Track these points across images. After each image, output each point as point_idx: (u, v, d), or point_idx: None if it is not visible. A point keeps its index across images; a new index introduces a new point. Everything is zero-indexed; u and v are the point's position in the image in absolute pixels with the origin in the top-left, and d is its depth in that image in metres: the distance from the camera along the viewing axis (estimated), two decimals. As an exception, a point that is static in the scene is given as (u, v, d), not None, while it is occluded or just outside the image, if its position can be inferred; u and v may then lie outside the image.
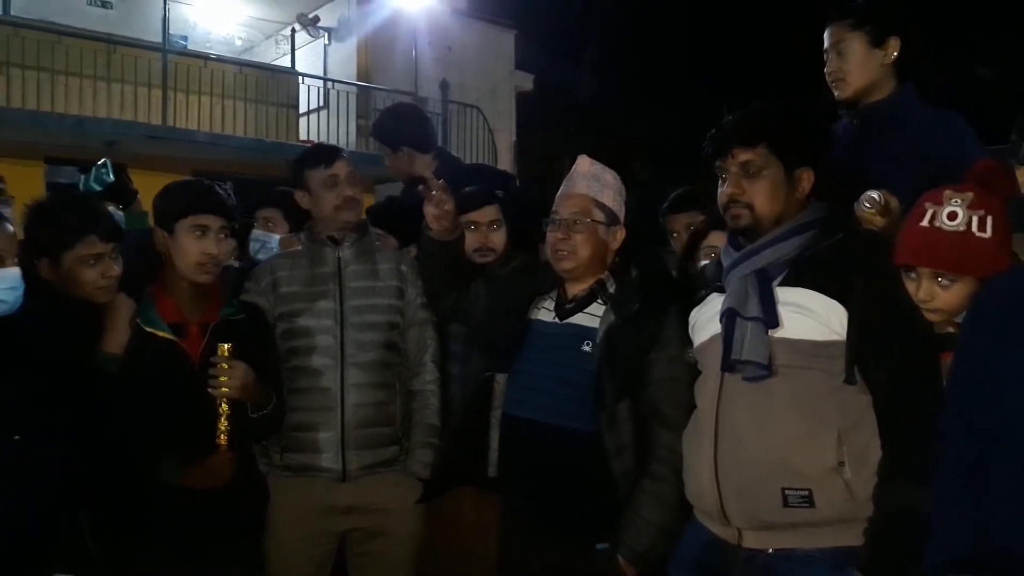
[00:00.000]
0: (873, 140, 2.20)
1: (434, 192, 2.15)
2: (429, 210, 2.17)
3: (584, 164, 2.11)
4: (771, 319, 1.67)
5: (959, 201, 1.58)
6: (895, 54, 2.21)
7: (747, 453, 1.68)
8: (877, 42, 2.21)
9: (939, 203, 1.60)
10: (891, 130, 2.18)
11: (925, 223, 1.60)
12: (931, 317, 1.65)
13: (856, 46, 2.22)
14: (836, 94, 2.28)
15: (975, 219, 1.57)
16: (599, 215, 2.04)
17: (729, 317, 1.72)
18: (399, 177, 3.13)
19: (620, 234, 2.08)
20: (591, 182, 2.07)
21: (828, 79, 2.29)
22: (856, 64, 2.22)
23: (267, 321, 2.35)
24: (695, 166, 1.96)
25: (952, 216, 1.58)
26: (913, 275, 1.64)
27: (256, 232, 3.01)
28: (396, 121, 3.21)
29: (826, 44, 2.28)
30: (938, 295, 1.61)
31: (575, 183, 2.08)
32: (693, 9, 18.96)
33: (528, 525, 2.04)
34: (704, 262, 2.51)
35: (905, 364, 1.63)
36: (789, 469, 1.64)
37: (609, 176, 2.10)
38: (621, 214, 2.09)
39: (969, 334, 1.52)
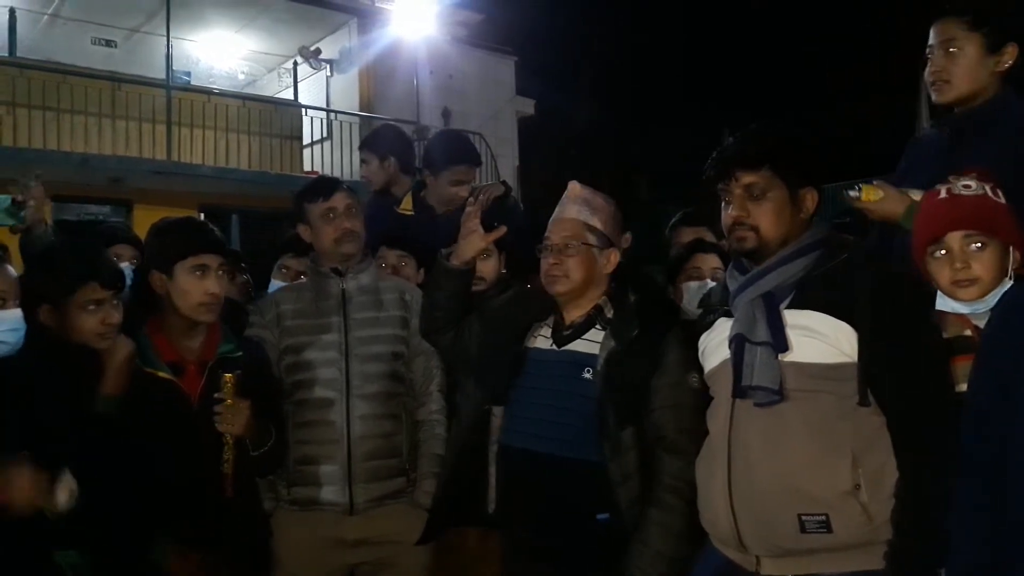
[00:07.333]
0: (965, 148, 2.00)
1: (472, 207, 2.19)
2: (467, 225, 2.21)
3: (575, 189, 2.08)
4: (780, 343, 1.65)
5: (967, 178, 1.66)
6: (1010, 62, 2.00)
7: (761, 479, 1.65)
8: (993, 47, 1.99)
9: (949, 183, 1.68)
10: (986, 136, 1.99)
11: (943, 196, 1.67)
12: (966, 294, 1.64)
13: (969, 49, 2.00)
14: (935, 96, 2.08)
15: (987, 188, 1.65)
16: (591, 238, 2.02)
17: (738, 343, 1.70)
18: (445, 204, 3.07)
19: (614, 257, 2.05)
20: (581, 207, 2.05)
21: (928, 78, 2.08)
22: (965, 68, 2.00)
23: (267, 357, 2.33)
24: (694, 187, 1.94)
25: (967, 186, 1.66)
26: (941, 253, 1.65)
27: (278, 284, 2.83)
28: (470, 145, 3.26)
29: (932, 40, 2.05)
30: (972, 261, 1.62)
31: (566, 208, 2.07)
32: (692, 32, 19.13)
33: (530, 557, 1.99)
34: (688, 283, 2.50)
35: (913, 380, 1.60)
36: (804, 494, 1.61)
37: (600, 200, 2.08)
38: (616, 237, 2.07)
39: (991, 340, 1.51)
